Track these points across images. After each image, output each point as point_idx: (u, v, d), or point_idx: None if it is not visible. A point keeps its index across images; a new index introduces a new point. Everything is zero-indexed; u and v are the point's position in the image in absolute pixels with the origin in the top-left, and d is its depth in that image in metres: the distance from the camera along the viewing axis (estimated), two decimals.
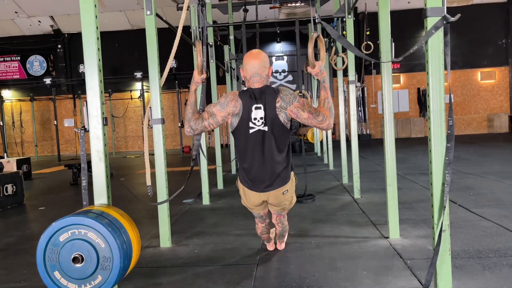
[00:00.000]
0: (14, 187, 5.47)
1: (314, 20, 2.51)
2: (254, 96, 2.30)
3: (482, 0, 15.21)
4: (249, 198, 2.47)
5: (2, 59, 16.80)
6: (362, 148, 9.49)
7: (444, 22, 1.84)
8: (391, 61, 2.54)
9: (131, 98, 16.20)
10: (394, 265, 2.57)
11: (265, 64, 2.34)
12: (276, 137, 2.31)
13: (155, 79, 3.21)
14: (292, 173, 2.49)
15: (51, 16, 15.75)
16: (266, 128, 2.29)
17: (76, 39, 16.47)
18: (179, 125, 13.81)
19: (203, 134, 4.82)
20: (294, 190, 2.54)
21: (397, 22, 13.43)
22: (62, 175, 8.85)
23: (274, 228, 2.93)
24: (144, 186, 6.62)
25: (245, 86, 6.34)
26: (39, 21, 15.88)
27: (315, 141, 10.64)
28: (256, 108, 2.28)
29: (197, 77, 2.42)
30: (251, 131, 2.30)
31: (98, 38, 2.08)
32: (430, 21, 1.87)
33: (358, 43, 12.27)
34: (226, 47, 7.43)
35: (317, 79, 2.39)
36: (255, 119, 2.28)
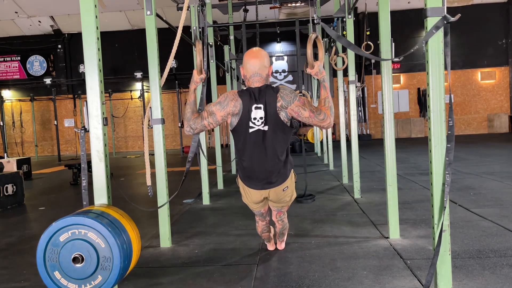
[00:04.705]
0: (14, 187, 5.47)
1: (313, 20, 2.51)
2: (254, 96, 2.28)
3: (482, 0, 15.21)
4: (250, 195, 2.48)
5: (2, 59, 16.81)
6: (362, 148, 9.50)
7: (444, 22, 1.84)
8: (391, 59, 2.54)
9: (131, 98, 16.20)
10: (394, 265, 2.57)
11: (266, 64, 2.33)
12: (277, 136, 2.30)
13: (155, 79, 3.21)
14: (292, 170, 2.50)
15: (51, 16, 15.75)
16: (266, 128, 2.28)
17: (76, 39, 16.47)
18: (179, 125, 13.81)
19: (202, 134, 4.83)
20: (294, 186, 2.56)
21: (397, 22, 13.44)
22: (62, 175, 8.86)
23: (274, 227, 2.92)
24: (144, 186, 6.62)
25: (245, 86, 6.35)
26: (39, 21, 15.89)
27: (315, 141, 10.64)
28: (256, 108, 2.27)
29: (196, 77, 2.42)
30: (250, 130, 2.30)
31: (98, 38, 2.08)
32: (430, 21, 1.87)
33: (358, 43, 12.27)
34: (226, 47, 7.43)
35: (317, 79, 2.37)
36: (254, 119, 2.28)
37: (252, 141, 2.31)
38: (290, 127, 2.34)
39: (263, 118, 2.27)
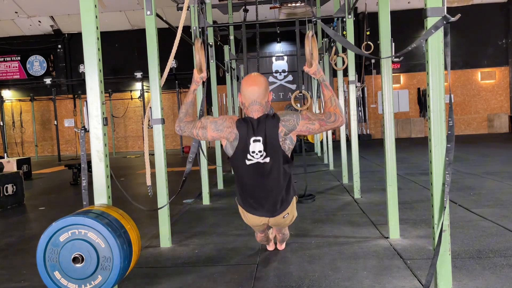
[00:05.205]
0: (14, 187, 5.47)
1: (309, 20, 2.46)
2: (252, 127, 2.15)
3: (482, 0, 15.21)
4: (249, 219, 2.40)
5: (2, 59, 16.80)
6: (362, 148, 9.49)
7: (444, 22, 1.84)
8: (390, 56, 2.53)
9: (131, 98, 16.20)
10: (394, 265, 2.57)
11: (265, 91, 2.20)
12: (278, 167, 2.19)
13: (155, 79, 3.21)
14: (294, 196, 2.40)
15: (51, 16, 15.75)
16: (267, 160, 2.17)
17: (76, 39, 16.47)
18: None
19: None
20: (295, 209, 2.46)
21: (397, 22, 13.42)
22: (62, 175, 8.86)
23: (272, 229, 2.91)
24: (144, 186, 6.62)
25: None
26: (39, 21, 15.88)
27: (315, 141, 10.64)
28: (255, 141, 2.15)
29: (197, 76, 2.35)
30: (248, 163, 2.18)
31: (98, 38, 2.08)
32: (430, 21, 1.87)
33: (358, 43, 12.27)
34: (226, 47, 7.43)
35: (317, 80, 2.28)
36: (253, 152, 2.16)
37: (250, 173, 2.21)
38: (291, 158, 2.23)
39: (262, 151, 2.15)
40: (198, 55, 2.33)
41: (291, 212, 2.40)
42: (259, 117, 2.19)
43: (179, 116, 2.33)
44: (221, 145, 2.41)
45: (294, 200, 2.42)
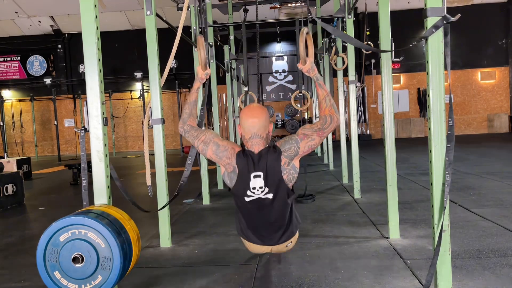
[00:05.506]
0: (14, 187, 5.47)
1: (306, 21, 2.43)
2: (253, 162, 2.07)
3: (482, 0, 15.21)
4: (251, 248, 2.34)
5: (2, 59, 16.80)
6: (362, 148, 9.49)
7: (444, 22, 1.84)
8: (390, 51, 2.53)
9: (131, 98, 16.20)
10: (394, 265, 2.57)
11: (266, 123, 2.10)
12: (280, 201, 2.12)
13: (155, 79, 3.21)
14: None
15: (51, 16, 15.75)
16: (269, 196, 2.09)
17: (76, 39, 16.47)
18: None
19: None
20: (297, 236, 2.40)
21: (397, 22, 13.42)
22: (62, 175, 8.86)
23: None
24: (144, 186, 6.62)
25: (245, 86, 6.25)
26: (39, 21, 15.88)
27: None
28: (255, 176, 2.06)
29: (201, 73, 2.30)
30: (248, 199, 2.10)
31: (98, 38, 2.08)
32: (430, 21, 1.87)
33: None
34: (226, 47, 7.43)
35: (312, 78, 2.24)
36: (254, 188, 2.07)
37: (251, 209, 2.14)
38: (292, 190, 2.18)
39: (263, 187, 2.07)
40: (203, 52, 2.29)
41: (294, 240, 2.35)
42: (260, 151, 2.09)
43: (182, 117, 2.28)
44: None
45: (297, 232, 2.36)
